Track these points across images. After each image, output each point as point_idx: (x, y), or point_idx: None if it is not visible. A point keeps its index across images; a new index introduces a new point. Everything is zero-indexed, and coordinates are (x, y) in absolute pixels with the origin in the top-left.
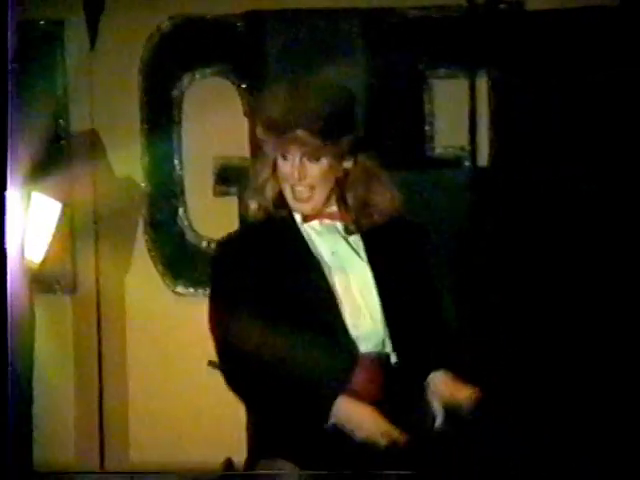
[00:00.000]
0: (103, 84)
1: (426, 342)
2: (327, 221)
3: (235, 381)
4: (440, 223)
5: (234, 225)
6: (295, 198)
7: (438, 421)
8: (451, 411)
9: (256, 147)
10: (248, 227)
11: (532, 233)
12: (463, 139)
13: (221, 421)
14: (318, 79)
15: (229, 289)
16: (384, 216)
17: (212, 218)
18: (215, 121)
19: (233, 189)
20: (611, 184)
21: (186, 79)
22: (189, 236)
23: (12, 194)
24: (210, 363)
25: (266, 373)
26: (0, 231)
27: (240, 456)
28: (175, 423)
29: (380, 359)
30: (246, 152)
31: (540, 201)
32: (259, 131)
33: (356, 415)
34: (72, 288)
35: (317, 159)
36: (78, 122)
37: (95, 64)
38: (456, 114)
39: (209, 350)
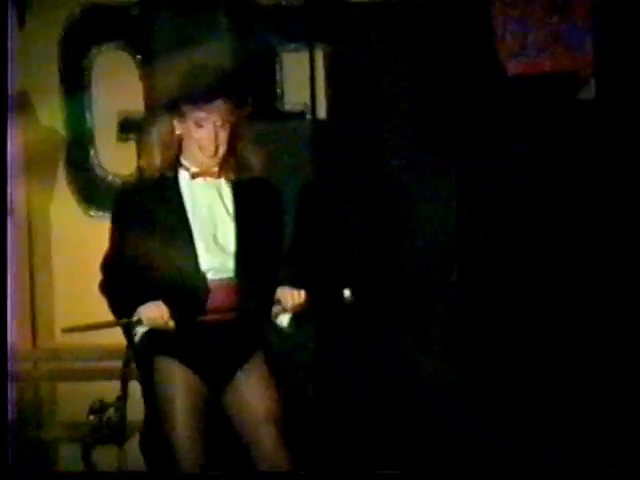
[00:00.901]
0: (31, 54)
1: (266, 269)
2: (209, 179)
3: (106, 286)
4: (286, 160)
5: (133, 163)
6: (204, 157)
7: (284, 323)
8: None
9: (150, 104)
10: (142, 180)
11: (360, 172)
12: (305, 97)
13: None
14: (214, 55)
15: (119, 223)
16: (249, 171)
17: (115, 158)
18: (117, 84)
19: (132, 136)
20: (425, 136)
21: (94, 51)
22: (98, 171)
23: None
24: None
25: (131, 284)
26: None
27: None
28: (91, 309)
29: (228, 283)
30: (141, 108)
31: (364, 146)
32: (181, 105)
33: (140, 308)
34: (9, 211)
35: (229, 124)
36: (12, 84)
37: (26, 39)
38: (300, 78)
39: None
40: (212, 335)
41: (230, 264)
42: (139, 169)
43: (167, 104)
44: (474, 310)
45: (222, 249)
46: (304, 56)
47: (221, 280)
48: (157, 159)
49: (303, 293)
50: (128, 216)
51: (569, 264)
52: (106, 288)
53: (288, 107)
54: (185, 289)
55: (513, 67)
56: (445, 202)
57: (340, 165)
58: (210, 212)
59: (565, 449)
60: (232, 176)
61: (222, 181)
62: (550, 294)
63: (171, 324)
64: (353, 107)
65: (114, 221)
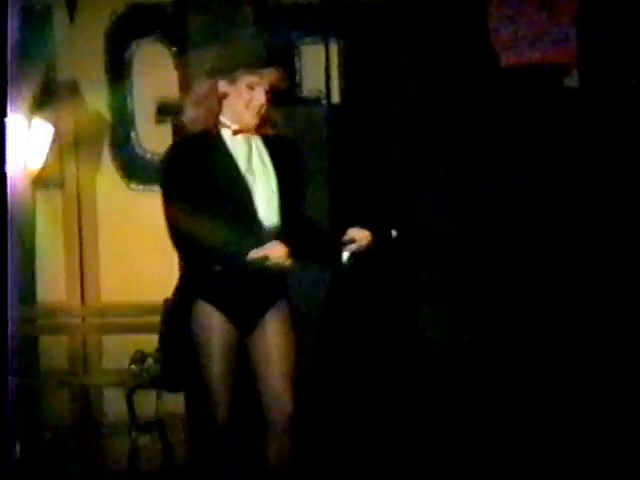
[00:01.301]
0: (80, 47)
1: (302, 216)
2: (246, 135)
3: (177, 240)
4: (305, 141)
5: (169, 142)
6: (249, 116)
7: (344, 258)
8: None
9: (185, 88)
10: (187, 138)
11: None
12: (321, 85)
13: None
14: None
15: (174, 183)
16: (276, 128)
17: (153, 138)
18: (155, 73)
19: (168, 118)
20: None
21: (134, 44)
22: (138, 150)
23: (17, 121)
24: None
25: (199, 235)
26: (1, 151)
27: None
28: (132, 270)
29: (274, 231)
30: (176, 94)
31: (374, 128)
32: (239, 71)
33: (265, 248)
34: (61, 185)
35: (271, 89)
36: (63, 74)
37: (74, 34)
38: (316, 68)
39: (151, 222)
40: (246, 282)
41: (275, 212)
42: (178, 126)
43: (221, 69)
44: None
45: (268, 198)
46: (320, 49)
47: (270, 227)
48: (201, 116)
49: (370, 234)
50: (186, 165)
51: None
52: (183, 241)
53: (305, 93)
54: (246, 235)
55: (506, 59)
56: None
57: (351, 146)
58: (249, 164)
59: (565, 450)
60: (268, 131)
61: (256, 137)
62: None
63: (288, 263)
64: (363, 94)
65: (173, 174)
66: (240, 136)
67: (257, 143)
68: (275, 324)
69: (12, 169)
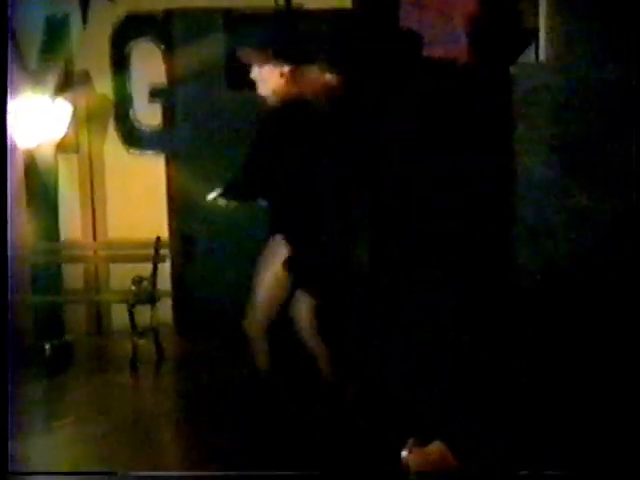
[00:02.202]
0: (91, 44)
1: None
2: None
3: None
4: None
5: (158, 117)
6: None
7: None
8: None
9: (170, 77)
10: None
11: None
12: None
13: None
14: None
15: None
16: None
17: (147, 114)
18: (147, 65)
19: (158, 99)
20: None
21: (132, 43)
22: (135, 124)
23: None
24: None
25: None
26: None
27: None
28: (131, 213)
29: None
30: (164, 80)
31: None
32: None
33: None
34: (77, 150)
35: None
36: (78, 65)
37: (87, 34)
38: None
39: (145, 177)
40: None
41: None
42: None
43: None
44: None
45: None
46: None
47: None
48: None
49: None
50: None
51: None
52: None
53: None
54: None
55: (412, 54)
56: None
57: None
58: None
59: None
60: None
61: None
62: None
63: None
64: None
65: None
66: None
67: None
68: None
69: (40, 139)
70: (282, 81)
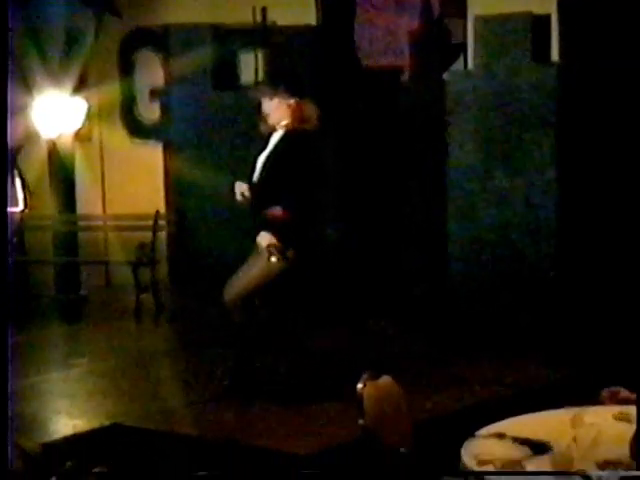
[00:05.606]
0: (102, 54)
1: None
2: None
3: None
4: None
5: (157, 113)
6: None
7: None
8: None
9: (168, 80)
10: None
11: None
12: None
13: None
14: None
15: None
16: None
17: (149, 110)
18: (149, 71)
19: (157, 98)
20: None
21: (137, 52)
22: (138, 117)
23: (60, 101)
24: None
25: None
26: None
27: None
28: (133, 193)
29: None
30: (162, 83)
31: None
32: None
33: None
34: (91, 139)
35: None
36: (92, 70)
37: (99, 46)
38: None
39: (146, 162)
40: None
41: None
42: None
43: None
44: None
45: None
46: None
47: None
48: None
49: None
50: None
51: None
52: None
53: None
54: None
55: (365, 63)
56: None
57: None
58: None
59: None
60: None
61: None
62: None
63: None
64: None
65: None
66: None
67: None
68: None
69: (61, 130)
70: (288, 112)
